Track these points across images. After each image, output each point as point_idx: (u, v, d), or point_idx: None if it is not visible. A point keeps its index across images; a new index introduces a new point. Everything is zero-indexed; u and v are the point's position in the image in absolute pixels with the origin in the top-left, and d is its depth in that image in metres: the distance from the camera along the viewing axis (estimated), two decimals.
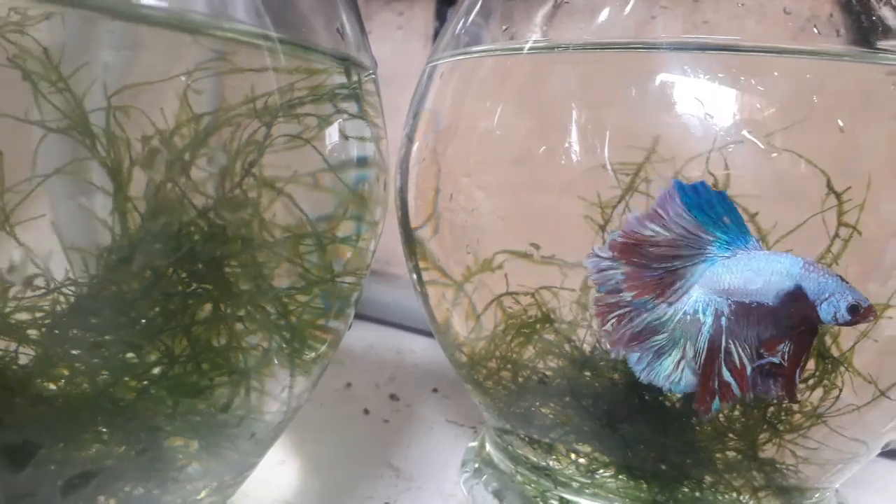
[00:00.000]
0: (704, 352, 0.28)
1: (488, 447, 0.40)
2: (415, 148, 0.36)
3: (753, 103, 0.29)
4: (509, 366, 0.34)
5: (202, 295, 0.25)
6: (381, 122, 0.30)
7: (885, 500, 0.44)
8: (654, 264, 0.28)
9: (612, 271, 0.29)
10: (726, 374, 0.28)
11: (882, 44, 0.33)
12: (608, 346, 0.29)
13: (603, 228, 0.29)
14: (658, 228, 0.28)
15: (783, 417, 0.31)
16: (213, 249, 0.24)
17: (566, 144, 0.30)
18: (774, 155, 0.27)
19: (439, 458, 0.44)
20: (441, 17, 0.83)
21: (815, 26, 0.32)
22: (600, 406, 0.33)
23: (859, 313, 0.27)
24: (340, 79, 0.27)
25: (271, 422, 0.29)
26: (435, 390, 0.58)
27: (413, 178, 0.36)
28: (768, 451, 0.32)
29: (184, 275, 0.25)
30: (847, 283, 0.27)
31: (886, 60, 0.31)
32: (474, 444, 0.43)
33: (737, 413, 0.31)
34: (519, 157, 0.32)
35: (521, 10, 0.34)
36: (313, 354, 0.28)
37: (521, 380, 0.34)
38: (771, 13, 0.32)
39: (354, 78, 0.28)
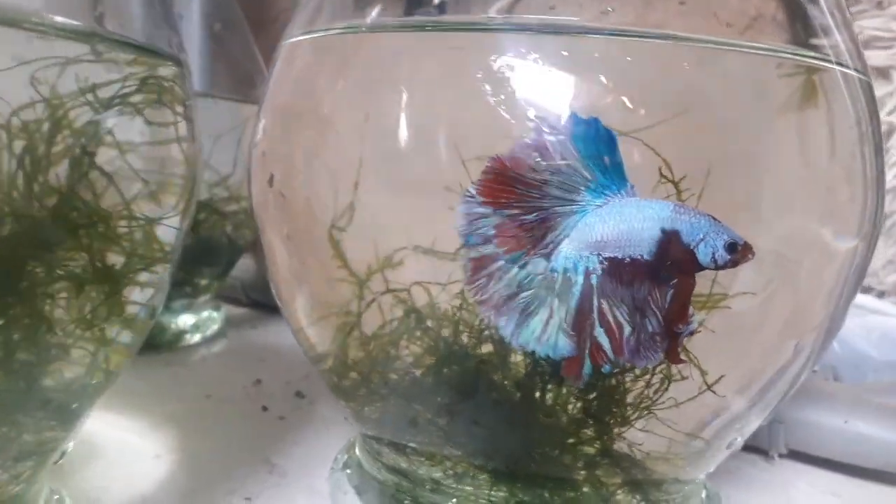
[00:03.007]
0: (575, 313, 0.26)
1: (357, 446, 0.38)
2: (258, 133, 0.33)
3: (594, 89, 0.28)
4: (374, 368, 0.32)
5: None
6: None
7: (766, 499, 0.42)
8: (522, 203, 0.25)
9: (483, 220, 0.26)
10: (600, 336, 0.26)
11: (815, 41, 0.33)
12: (481, 310, 0.27)
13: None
14: (539, 158, 0.25)
15: (611, 409, 0.30)
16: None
17: (390, 130, 0.27)
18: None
19: (323, 457, 0.40)
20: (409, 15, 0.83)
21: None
22: (453, 405, 0.32)
23: (738, 251, 0.25)
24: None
25: (72, 394, 0.27)
26: None
27: (252, 165, 0.33)
28: (606, 444, 0.31)
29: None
30: (719, 221, 0.25)
31: (767, 52, 0.31)
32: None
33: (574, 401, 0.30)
34: (345, 144, 0.29)
35: None
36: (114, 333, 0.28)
37: (381, 382, 0.31)
38: (720, 12, 0.32)
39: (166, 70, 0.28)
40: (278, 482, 0.39)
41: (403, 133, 0.27)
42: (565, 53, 0.27)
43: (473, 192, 0.26)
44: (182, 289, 0.66)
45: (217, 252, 0.68)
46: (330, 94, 0.29)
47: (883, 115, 0.68)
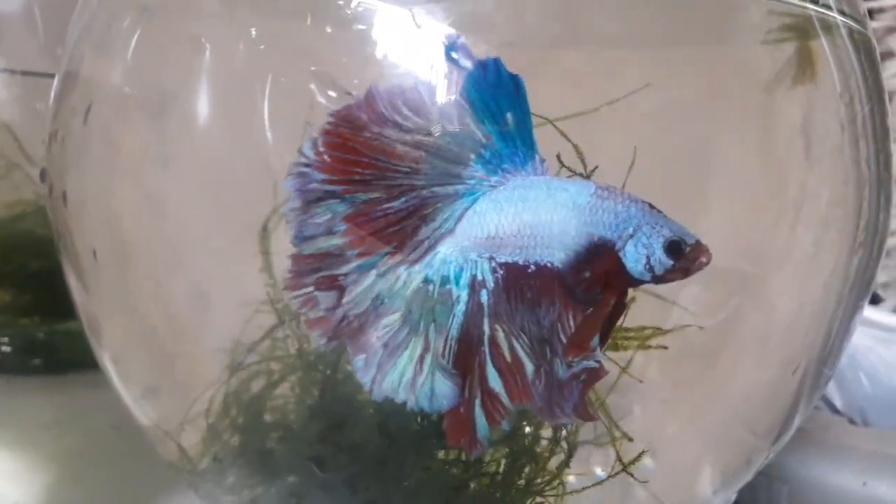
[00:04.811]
0: (457, 345, 0.18)
1: None
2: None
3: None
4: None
5: None
6: None
7: None
8: (384, 181, 0.18)
9: (325, 202, 0.18)
10: (493, 379, 0.18)
11: None
12: (313, 334, 0.19)
13: None
14: (408, 112, 0.18)
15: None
16: None
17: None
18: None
19: None
20: None
21: None
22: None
23: (684, 255, 0.17)
24: None
25: None
26: None
27: None
28: None
29: None
30: (659, 211, 0.17)
31: None
32: None
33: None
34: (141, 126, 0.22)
35: None
36: None
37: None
38: None
39: None
40: None
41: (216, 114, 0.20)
42: None
43: (309, 158, 0.18)
44: None
45: None
46: (123, 51, 0.22)
47: None
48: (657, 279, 0.17)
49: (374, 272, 0.19)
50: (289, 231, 0.19)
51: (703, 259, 0.17)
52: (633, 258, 0.18)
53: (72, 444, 0.43)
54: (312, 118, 0.18)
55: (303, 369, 0.22)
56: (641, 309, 0.20)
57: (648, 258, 0.17)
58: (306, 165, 0.18)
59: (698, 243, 0.17)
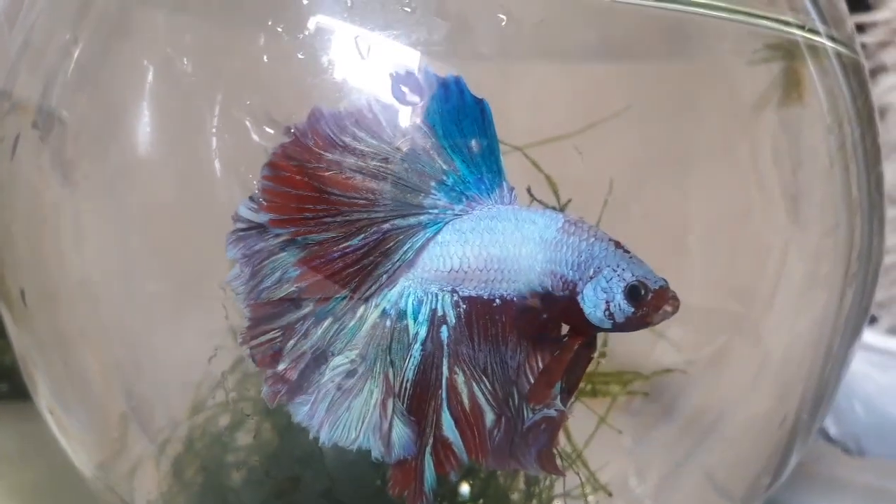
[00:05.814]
0: (411, 387, 0.17)
1: None
2: None
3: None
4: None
5: None
6: None
7: None
8: (339, 217, 0.17)
9: (277, 258, 0.17)
10: (448, 427, 0.17)
11: None
12: (267, 389, 0.17)
13: None
14: (364, 135, 0.16)
15: None
16: None
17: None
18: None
19: None
20: None
21: None
22: None
23: (646, 301, 0.16)
24: None
25: None
26: None
27: None
28: None
29: None
30: (626, 251, 0.16)
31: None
32: None
33: None
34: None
35: None
36: None
37: None
38: None
39: None
40: None
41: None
42: None
43: (251, 210, 0.17)
44: None
45: None
46: (59, 76, 0.21)
47: None
48: (618, 327, 0.16)
49: (331, 316, 0.17)
50: (238, 302, 0.17)
51: (668, 308, 0.16)
52: (592, 303, 0.16)
53: (22, 481, 0.41)
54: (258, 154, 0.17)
55: (259, 417, 0.21)
56: (625, 345, 0.19)
57: (608, 304, 0.16)
58: (245, 228, 0.17)
59: (662, 289, 0.16)
